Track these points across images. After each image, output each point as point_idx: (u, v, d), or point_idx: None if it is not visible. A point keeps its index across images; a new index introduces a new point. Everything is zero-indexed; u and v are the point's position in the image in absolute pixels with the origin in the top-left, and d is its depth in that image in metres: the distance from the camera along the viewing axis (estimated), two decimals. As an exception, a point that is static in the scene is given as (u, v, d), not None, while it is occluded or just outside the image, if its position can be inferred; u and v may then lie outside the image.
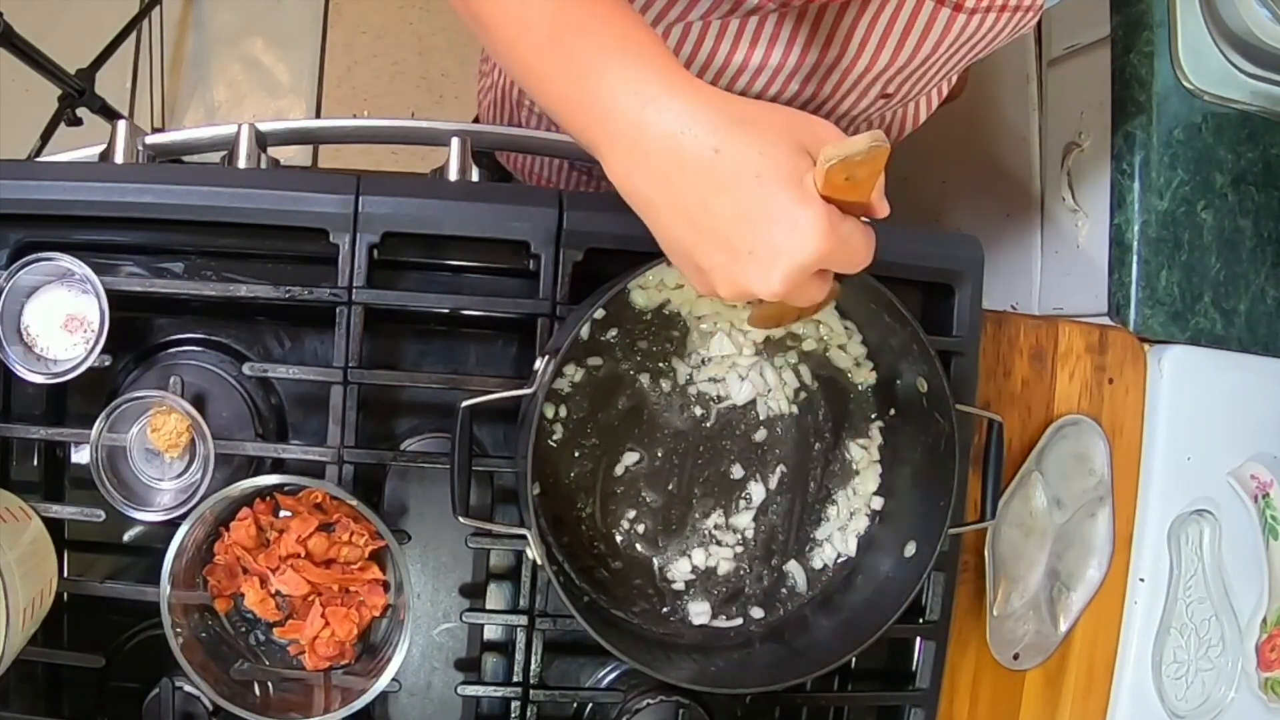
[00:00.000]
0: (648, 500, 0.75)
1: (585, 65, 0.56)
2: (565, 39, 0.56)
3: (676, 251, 0.57)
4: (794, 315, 0.66)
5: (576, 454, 0.74)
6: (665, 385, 0.75)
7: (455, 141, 0.80)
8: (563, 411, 0.73)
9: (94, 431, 0.70)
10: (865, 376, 0.77)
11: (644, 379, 0.74)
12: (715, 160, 0.53)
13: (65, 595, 0.73)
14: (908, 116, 0.96)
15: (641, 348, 0.74)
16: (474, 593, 0.79)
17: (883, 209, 0.57)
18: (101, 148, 0.79)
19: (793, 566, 0.77)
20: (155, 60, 1.91)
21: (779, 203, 0.52)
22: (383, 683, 0.68)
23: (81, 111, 1.64)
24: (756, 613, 0.76)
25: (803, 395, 0.77)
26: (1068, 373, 0.92)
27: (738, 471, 0.76)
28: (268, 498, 0.72)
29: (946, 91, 0.98)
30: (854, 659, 0.79)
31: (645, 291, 0.73)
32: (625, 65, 0.55)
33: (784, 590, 0.77)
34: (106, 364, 0.70)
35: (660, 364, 0.74)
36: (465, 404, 0.67)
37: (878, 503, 0.77)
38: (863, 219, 0.55)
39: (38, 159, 1.25)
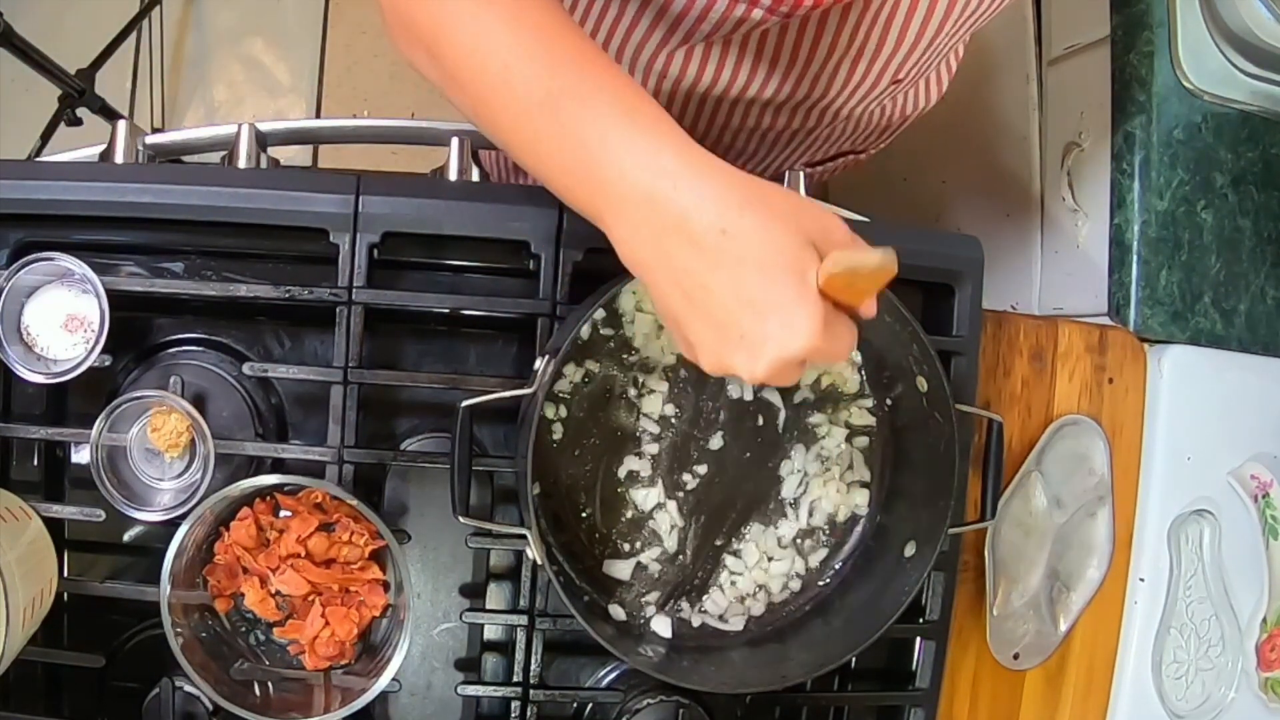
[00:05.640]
0: (648, 500, 0.75)
1: (588, 135, 0.54)
2: (563, 105, 0.54)
3: (668, 318, 0.56)
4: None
5: (576, 454, 0.74)
6: (659, 390, 0.75)
7: (455, 141, 0.80)
8: (563, 411, 0.73)
9: (94, 431, 0.70)
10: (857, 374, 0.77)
11: (633, 391, 0.74)
12: (721, 241, 0.52)
13: (65, 595, 0.73)
14: (919, 95, 0.95)
15: (630, 360, 0.74)
16: (474, 593, 0.79)
17: (870, 311, 0.56)
18: (101, 148, 0.79)
19: (792, 565, 0.77)
20: (155, 60, 1.91)
21: (779, 294, 0.52)
22: (383, 683, 0.68)
23: (81, 111, 1.64)
24: (757, 612, 0.76)
25: (800, 393, 0.77)
26: (1068, 373, 0.92)
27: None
28: (268, 498, 0.72)
29: (955, 66, 0.96)
30: (854, 659, 0.79)
31: (635, 296, 0.73)
32: (633, 136, 0.53)
33: (784, 590, 0.77)
34: (106, 364, 0.70)
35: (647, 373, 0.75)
36: (465, 404, 0.67)
37: (878, 498, 0.77)
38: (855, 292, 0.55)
39: (38, 159, 1.26)
